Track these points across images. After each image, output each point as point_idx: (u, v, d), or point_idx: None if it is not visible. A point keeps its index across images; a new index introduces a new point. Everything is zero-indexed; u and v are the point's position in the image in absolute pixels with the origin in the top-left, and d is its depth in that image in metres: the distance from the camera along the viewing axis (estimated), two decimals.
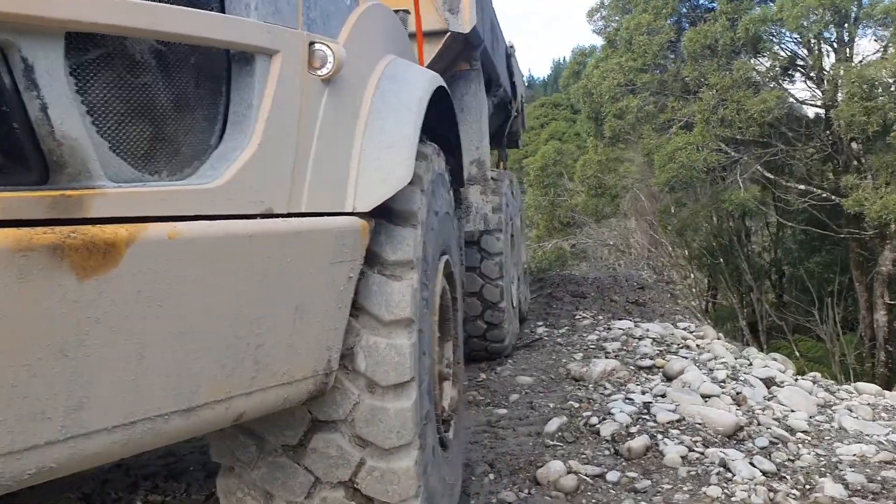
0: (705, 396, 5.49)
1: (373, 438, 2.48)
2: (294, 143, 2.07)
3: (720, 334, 8.71)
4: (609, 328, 8.23)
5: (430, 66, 5.37)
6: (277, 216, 1.98)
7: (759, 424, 5.18)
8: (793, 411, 5.73)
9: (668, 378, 6.24)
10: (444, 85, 3.30)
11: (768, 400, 5.91)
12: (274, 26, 2.03)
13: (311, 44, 2.24)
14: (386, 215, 2.66)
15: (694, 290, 17.03)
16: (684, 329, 8.30)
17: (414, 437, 2.53)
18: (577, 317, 8.88)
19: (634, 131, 13.68)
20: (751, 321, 16.72)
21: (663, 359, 6.71)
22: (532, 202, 20.08)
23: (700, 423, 4.80)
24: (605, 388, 5.72)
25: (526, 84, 10.40)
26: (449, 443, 3.29)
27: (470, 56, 5.85)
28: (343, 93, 2.40)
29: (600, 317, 8.82)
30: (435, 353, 3.50)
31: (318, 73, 2.25)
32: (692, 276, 17.04)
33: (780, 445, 4.74)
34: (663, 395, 5.44)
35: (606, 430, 4.60)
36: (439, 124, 3.69)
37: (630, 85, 13.42)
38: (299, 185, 2.10)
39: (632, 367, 6.43)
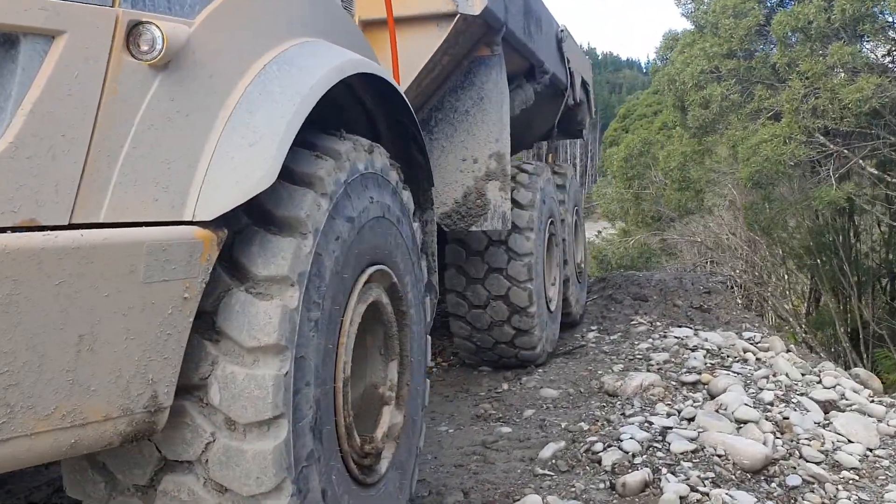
0: (740, 422, 4.88)
1: (229, 483, 2.14)
2: (82, 141, 1.73)
3: (791, 346, 7.92)
4: (665, 336, 7.61)
5: (441, 53, 4.96)
6: (44, 228, 1.65)
7: (799, 458, 4.55)
8: (849, 442, 5.04)
9: (712, 396, 5.63)
10: (380, 73, 2.90)
11: (822, 427, 5.23)
12: (57, 2, 1.69)
13: (137, 24, 1.90)
14: (265, 222, 2.30)
15: (788, 292, 15.88)
16: (748, 339, 7.57)
17: (281, 482, 2.17)
18: (634, 322, 8.27)
19: (720, 121, 12.78)
20: (854, 328, 15.46)
21: (711, 374, 6.08)
22: (615, 195, 19.21)
23: (721, 456, 4.22)
24: (631, 407, 5.18)
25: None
26: (380, 478, 2.91)
27: (491, 41, 5.40)
28: (192, 81, 2.05)
29: (658, 323, 8.18)
30: (378, 375, 3.14)
31: (144, 58, 1.90)
32: (786, 277, 15.88)
33: (815, 486, 4.12)
34: (691, 419, 4.87)
35: (608, 459, 4.10)
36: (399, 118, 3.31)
37: (715, 72, 12.53)
38: (94, 191, 1.77)
39: (673, 383, 5.84)
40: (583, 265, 9.07)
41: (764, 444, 4.53)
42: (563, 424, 4.81)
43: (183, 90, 2.02)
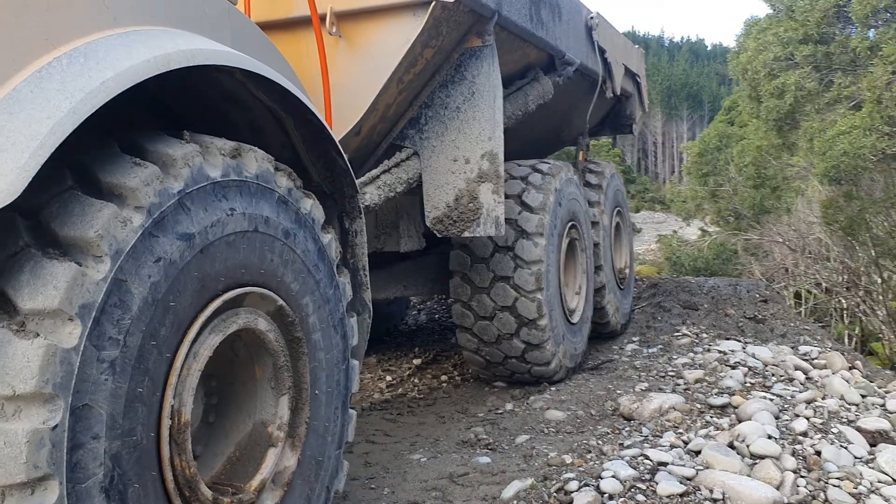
0: (756, 457, 4.24)
1: None
2: None
3: (858, 361, 7.07)
4: (708, 349, 6.91)
5: (422, 46, 4.54)
6: None
7: (823, 502, 3.90)
8: (892, 482, 4.32)
9: (741, 421, 4.99)
10: (244, 65, 2.50)
11: (863, 463, 4.52)
12: None
13: None
14: (47, 244, 1.94)
15: (882, 297, 14.56)
16: (803, 355, 6.79)
17: None
18: (679, 333, 7.58)
19: (797, 112, 11.79)
20: None
21: (745, 396, 5.41)
22: (689, 192, 18.10)
23: (716, 501, 3.63)
24: (639, 434, 4.61)
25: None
26: None
27: (481, 30, 4.91)
28: None
29: (705, 335, 7.47)
30: (268, 412, 2.75)
31: None
32: (881, 280, 14.56)
33: None
34: (698, 453, 4.26)
35: (581, 500, 3.58)
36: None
37: (790, 59, 11.57)
38: None
39: (698, 406, 5.21)
40: (626, 271, 8.43)
41: (778, 485, 3.90)
42: (551, 455, 4.30)
43: None
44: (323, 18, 4.35)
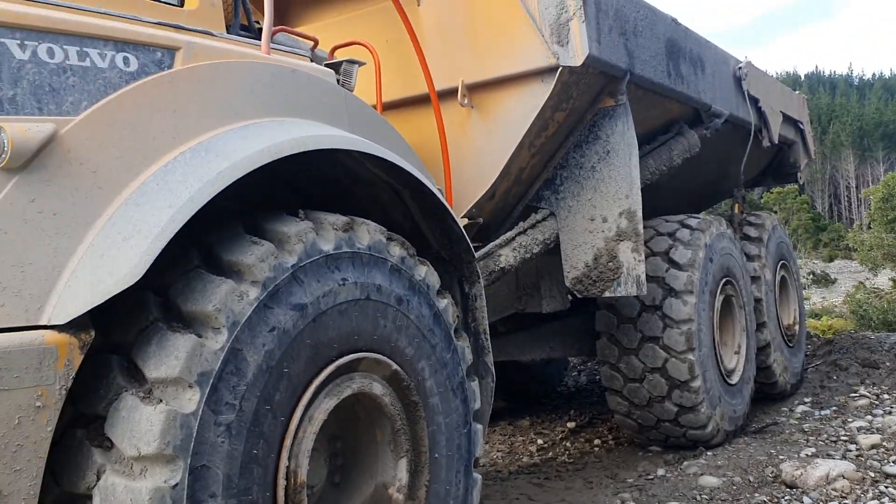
0: None
1: None
2: None
3: None
4: (890, 412, 6.32)
5: (552, 110, 4.62)
6: None
7: None
8: None
9: None
10: (349, 145, 2.68)
11: None
12: None
13: None
14: (172, 318, 2.17)
15: None
16: None
17: None
18: (856, 394, 6.97)
19: None
20: None
21: None
22: (874, 240, 16.64)
23: None
24: None
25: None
26: None
27: (613, 90, 4.91)
28: (64, 178, 1.99)
29: (886, 396, 6.82)
30: (388, 474, 2.84)
31: None
32: None
33: None
34: None
35: None
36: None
37: None
38: None
39: (872, 474, 4.77)
40: (796, 327, 7.91)
41: None
42: None
43: (49, 189, 1.96)
44: (454, 91, 4.55)
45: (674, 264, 5.60)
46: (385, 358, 2.71)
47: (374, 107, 4.03)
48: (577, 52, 4.38)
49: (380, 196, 3.19)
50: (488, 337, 3.40)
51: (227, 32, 3.07)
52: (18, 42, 2.05)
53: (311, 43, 3.80)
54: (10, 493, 1.86)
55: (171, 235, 2.04)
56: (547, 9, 4.41)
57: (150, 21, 2.47)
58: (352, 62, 3.28)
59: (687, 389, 5.41)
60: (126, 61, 2.27)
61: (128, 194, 2.09)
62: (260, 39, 3.11)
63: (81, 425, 2.09)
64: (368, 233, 2.71)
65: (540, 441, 6.65)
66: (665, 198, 6.62)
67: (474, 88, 4.66)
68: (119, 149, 2.12)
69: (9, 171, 1.90)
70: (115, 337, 2.15)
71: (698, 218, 6.02)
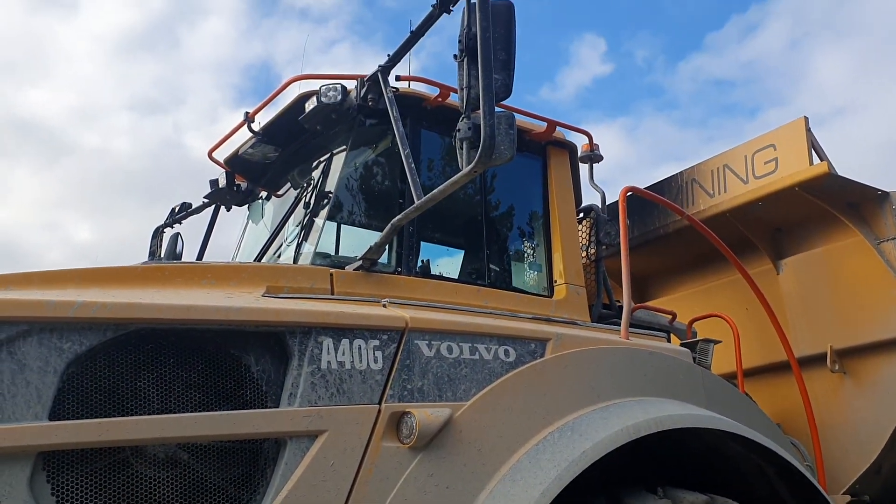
0: None
1: None
2: None
3: None
4: None
5: None
6: None
7: None
8: None
9: None
10: (710, 424, 2.77)
11: None
12: (323, 408, 2.26)
13: (401, 414, 2.36)
14: None
15: None
16: None
17: None
18: None
19: None
20: None
21: None
22: None
23: None
24: None
25: None
26: None
27: None
28: (456, 456, 2.39)
29: None
30: None
31: (403, 442, 2.33)
32: None
33: None
34: None
35: None
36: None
37: None
38: None
39: None
40: None
41: None
42: None
43: (443, 465, 2.34)
44: (821, 357, 4.39)
45: None
46: None
47: (735, 376, 4.06)
48: None
49: (741, 469, 3.16)
50: None
51: (590, 310, 3.45)
52: (427, 342, 2.57)
53: (669, 317, 4.04)
54: None
55: None
56: None
57: (525, 316, 2.92)
58: (707, 341, 3.42)
59: None
60: (507, 353, 2.69)
61: (505, 471, 2.40)
62: (620, 317, 3.42)
63: None
64: None
65: None
66: None
67: (845, 354, 4.46)
68: (500, 429, 2.47)
69: (413, 450, 2.32)
70: None
71: None
